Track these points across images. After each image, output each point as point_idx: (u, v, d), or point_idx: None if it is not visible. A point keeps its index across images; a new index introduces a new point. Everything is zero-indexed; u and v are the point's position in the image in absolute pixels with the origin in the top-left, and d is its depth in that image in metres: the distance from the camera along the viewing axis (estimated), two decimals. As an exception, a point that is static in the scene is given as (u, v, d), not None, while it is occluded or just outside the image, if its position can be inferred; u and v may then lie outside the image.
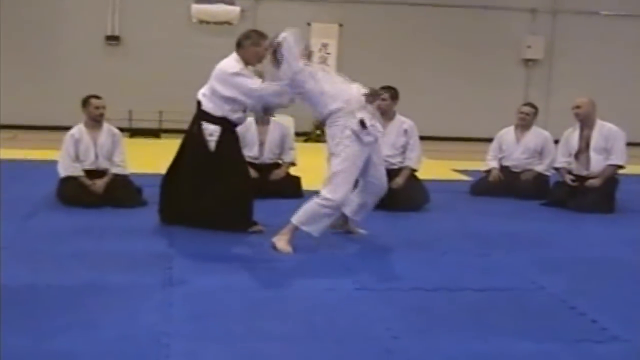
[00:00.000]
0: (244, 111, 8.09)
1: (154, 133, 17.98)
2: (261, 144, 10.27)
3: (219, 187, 7.84)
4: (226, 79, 7.83)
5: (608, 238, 8.38)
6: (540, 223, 9.07)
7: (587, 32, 19.84)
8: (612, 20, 20.03)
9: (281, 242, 7.24)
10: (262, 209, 8.46)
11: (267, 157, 10.29)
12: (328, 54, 19.27)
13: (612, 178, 9.99)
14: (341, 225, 8.00)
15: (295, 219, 7.26)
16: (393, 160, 9.72)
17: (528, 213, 9.61)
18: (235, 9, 19.19)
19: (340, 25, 19.28)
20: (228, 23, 19.22)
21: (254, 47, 7.94)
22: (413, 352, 4.82)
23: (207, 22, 19.22)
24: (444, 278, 6.53)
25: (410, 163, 9.75)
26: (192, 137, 8.03)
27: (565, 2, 20.07)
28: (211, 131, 7.85)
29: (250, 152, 10.15)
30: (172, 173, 8.16)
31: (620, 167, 10.00)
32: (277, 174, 10.19)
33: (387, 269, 6.89)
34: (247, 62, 7.95)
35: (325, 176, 7.35)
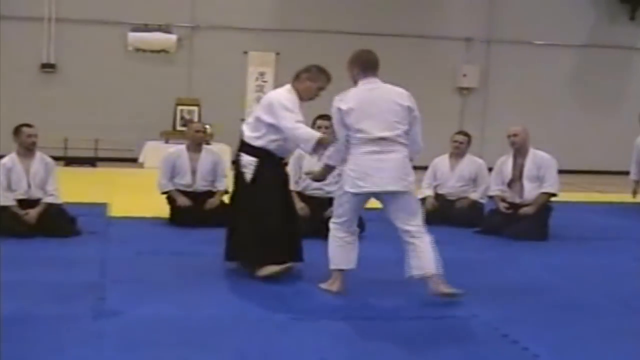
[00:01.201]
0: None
1: (90, 162, 17.80)
2: (193, 172, 10.20)
3: (248, 221, 7.47)
4: (270, 106, 7.47)
5: (541, 265, 8.46)
6: (474, 251, 9.13)
7: (520, 61, 20.05)
8: (545, 49, 20.27)
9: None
10: (196, 238, 8.43)
11: (200, 184, 10.22)
12: (265, 82, 19.26)
13: (545, 206, 10.08)
14: None
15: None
16: (328, 189, 9.70)
17: (462, 240, 9.65)
18: (172, 37, 19.09)
19: (277, 53, 19.28)
20: (165, 51, 19.12)
21: (310, 81, 7.76)
22: (347, 382, 4.83)
23: (144, 50, 19.09)
24: (379, 307, 6.57)
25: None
26: (236, 169, 7.70)
27: (499, 32, 20.26)
28: (246, 162, 7.49)
29: (182, 180, 10.12)
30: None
31: (553, 195, 10.11)
32: (211, 202, 10.09)
33: (320, 298, 6.87)
34: (299, 95, 7.65)
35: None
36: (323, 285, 7.12)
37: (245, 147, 7.56)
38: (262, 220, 7.44)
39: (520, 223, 9.87)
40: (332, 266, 7.13)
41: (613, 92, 20.63)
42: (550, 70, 20.25)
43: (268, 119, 7.42)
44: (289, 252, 7.57)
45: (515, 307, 6.70)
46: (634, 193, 12.97)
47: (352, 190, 6.94)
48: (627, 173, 13.49)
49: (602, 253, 9.40)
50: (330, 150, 7.15)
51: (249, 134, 7.55)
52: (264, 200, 7.49)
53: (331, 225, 7.23)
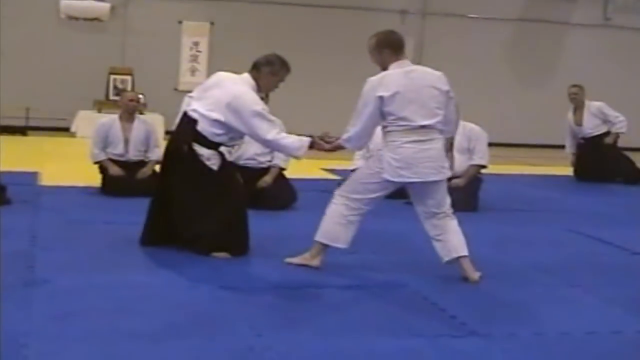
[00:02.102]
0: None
1: (21, 130, 17.59)
2: (126, 141, 10.15)
3: (221, 210, 7.20)
4: (239, 113, 7.07)
5: (470, 236, 8.47)
6: (404, 222, 9.13)
7: (455, 35, 20.17)
8: (479, 23, 20.43)
9: None
10: (128, 207, 8.41)
11: (133, 154, 10.18)
12: (199, 52, 19.19)
13: (475, 177, 10.21)
14: None
15: None
16: (262, 159, 9.77)
17: (393, 212, 9.67)
18: (106, 5, 18.90)
19: (212, 23, 19.20)
20: (98, 19, 18.93)
21: (272, 76, 7.59)
22: (276, 349, 4.87)
23: (76, 18, 18.89)
24: (309, 276, 6.61)
25: (278, 162, 9.79)
26: (183, 157, 7.16)
27: (434, 5, 20.38)
28: (209, 155, 7.14)
29: (115, 149, 10.08)
30: (162, 194, 7.39)
31: (483, 166, 10.24)
32: (143, 172, 10.05)
33: (251, 267, 6.92)
34: (259, 88, 7.47)
35: None
36: (297, 260, 6.94)
37: (201, 139, 7.13)
38: (229, 207, 7.30)
39: (451, 195, 9.87)
40: (323, 240, 6.87)
41: (546, 67, 20.89)
42: (485, 44, 20.41)
43: (237, 125, 7.08)
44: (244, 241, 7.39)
45: (443, 276, 6.77)
46: (573, 165, 13.22)
47: (394, 179, 6.73)
48: (558, 147, 13.71)
49: (531, 224, 9.56)
50: (349, 134, 6.96)
51: (211, 130, 7.12)
52: (232, 187, 7.42)
53: (338, 200, 6.96)
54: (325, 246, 6.89)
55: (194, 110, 7.20)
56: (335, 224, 6.86)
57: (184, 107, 7.41)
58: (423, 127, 6.67)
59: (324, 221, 6.90)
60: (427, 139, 6.69)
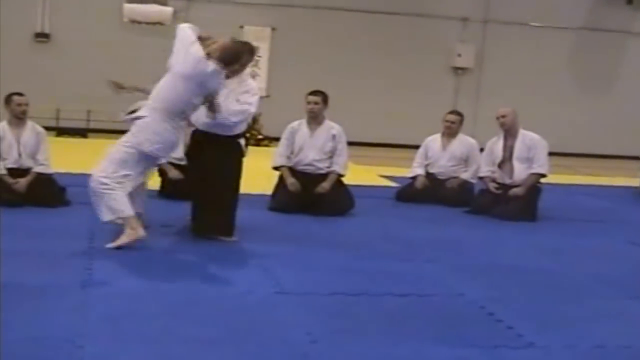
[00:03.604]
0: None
1: (81, 132, 17.78)
2: (186, 145, 10.16)
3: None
4: None
5: (528, 246, 8.48)
6: (463, 230, 9.14)
7: (516, 42, 20.06)
8: (540, 31, 20.28)
9: None
10: (185, 210, 8.43)
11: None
12: (260, 57, 19.24)
13: (534, 187, 10.11)
14: None
15: None
16: (320, 165, 9.75)
17: (452, 220, 9.68)
18: (168, 9, 19.06)
19: (273, 28, 19.27)
20: (160, 23, 19.08)
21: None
22: (331, 356, 4.84)
23: (139, 22, 19.08)
24: (365, 283, 6.56)
25: (336, 168, 9.76)
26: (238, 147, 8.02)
27: (496, 12, 20.26)
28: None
29: (174, 153, 10.07)
30: None
31: (543, 176, 10.13)
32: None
33: (308, 272, 6.87)
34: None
35: None
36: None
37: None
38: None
39: (510, 204, 9.88)
40: None
41: (607, 76, 20.64)
42: (546, 52, 20.25)
43: None
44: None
45: (501, 286, 6.71)
46: None
47: None
48: (621, 157, 13.52)
49: (591, 235, 9.43)
50: None
51: None
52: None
53: None
54: None
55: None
56: None
57: None
58: None
59: None
60: None
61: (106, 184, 7.16)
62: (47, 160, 9.33)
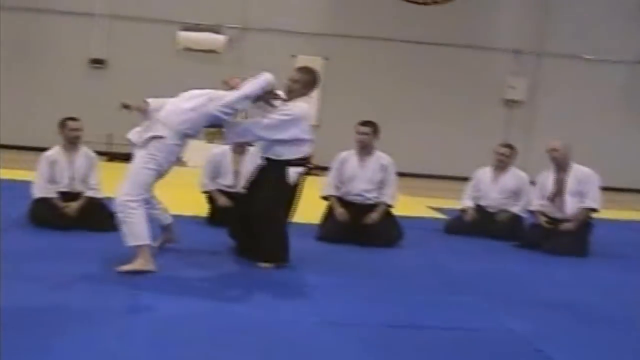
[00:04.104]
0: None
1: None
2: (236, 173, 10.21)
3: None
4: None
5: (579, 282, 8.38)
6: (512, 264, 9.06)
7: (570, 76, 19.92)
8: (594, 64, 20.12)
9: None
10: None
11: (242, 186, 10.22)
12: (312, 86, 19.28)
13: (586, 222, 10.00)
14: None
15: None
16: (369, 195, 9.72)
17: (501, 254, 9.60)
18: (222, 37, 19.20)
19: (326, 58, 19.30)
20: (214, 51, 19.23)
21: None
22: (373, 389, 4.80)
23: (193, 50, 19.23)
24: (411, 315, 6.51)
25: (386, 199, 9.73)
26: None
27: (549, 45, 20.14)
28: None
29: (224, 180, 10.15)
30: None
31: (595, 210, 10.01)
32: (252, 204, 10.12)
33: (354, 303, 6.83)
34: None
35: None
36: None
37: None
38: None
39: (561, 238, 9.78)
40: None
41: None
42: (599, 85, 20.09)
43: None
44: None
45: (550, 322, 6.62)
46: None
47: None
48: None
49: (643, 272, 9.30)
50: None
51: None
52: None
53: None
54: None
55: None
56: None
57: None
58: None
59: None
60: None
61: (132, 207, 7.28)
62: (98, 185, 9.41)
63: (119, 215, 7.36)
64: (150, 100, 7.78)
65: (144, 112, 7.76)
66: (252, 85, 7.69)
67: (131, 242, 7.27)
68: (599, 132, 19.59)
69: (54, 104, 16.84)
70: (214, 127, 8.18)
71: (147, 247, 7.32)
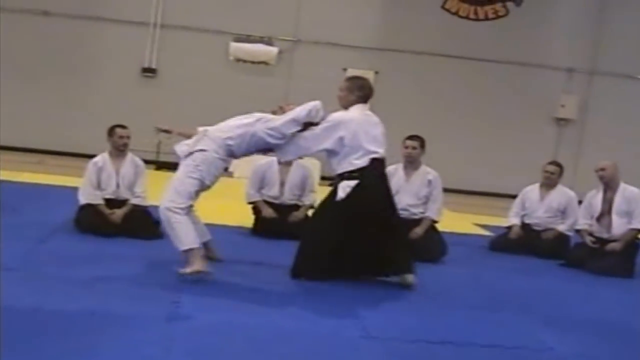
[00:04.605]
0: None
1: (182, 167, 17.96)
2: (282, 184, 10.25)
3: None
4: None
5: (623, 303, 8.29)
6: (556, 283, 8.99)
7: (621, 95, 19.70)
8: (647, 84, 19.95)
9: None
10: (279, 250, 8.46)
11: (287, 197, 10.27)
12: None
13: (633, 242, 9.89)
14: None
15: None
16: (414, 210, 9.70)
17: (545, 272, 9.52)
18: (273, 49, 19.25)
19: (376, 72, 19.25)
20: (265, 63, 19.29)
21: None
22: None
23: (244, 61, 19.30)
24: (452, 331, 6.47)
25: (431, 214, 9.71)
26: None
27: (602, 64, 19.95)
28: None
29: (270, 191, 10.18)
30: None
31: (642, 231, 9.92)
32: (296, 215, 10.13)
33: (395, 318, 6.81)
34: None
35: None
36: None
37: None
38: None
39: (606, 258, 9.69)
40: None
41: None
42: (652, 106, 19.87)
43: None
44: None
45: (592, 342, 6.56)
46: None
47: None
48: None
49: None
50: None
51: None
52: None
53: None
54: None
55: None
56: None
57: None
58: None
59: None
60: None
61: (176, 213, 7.41)
62: (143, 193, 9.48)
63: (163, 222, 7.45)
64: (201, 128, 7.83)
65: (187, 135, 7.90)
66: (299, 110, 7.72)
67: (181, 247, 7.35)
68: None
69: (104, 112, 16.99)
70: (264, 151, 8.22)
71: (198, 250, 7.40)
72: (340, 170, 7.75)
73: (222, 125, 7.86)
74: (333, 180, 7.98)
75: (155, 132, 8.35)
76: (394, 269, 7.87)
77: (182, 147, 7.76)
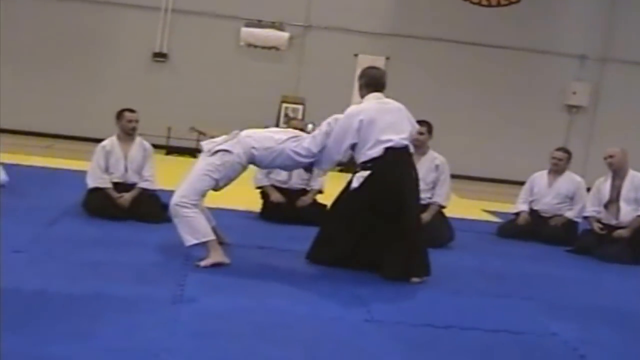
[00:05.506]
0: None
1: (191, 152, 18.00)
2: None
3: None
4: None
5: (629, 289, 8.28)
6: (562, 269, 8.98)
7: (634, 82, 19.67)
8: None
9: None
10: (286, 234, 8.46)
11: (295, 182, 10.27)
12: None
13: (640, 229, 9.89)
14: None
15: None
16: (422, 195, 9.66)
17: (552, 258, 9.52)
18: (284, 34, 19.27)
19: (387, 58, 19.25)
20: (276, 48, 19.31)
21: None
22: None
23: (255, 46, 19.32)
24: (457, 316, 6.48)
25: (438, 199, 9.70)
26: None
27: (615, 51, 19.92)
28: None
29: (278, 176, 10.18)
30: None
31: (651, 218, 9.90)
32: (304, 200, 10.15)
33: (400, 302, 6.83)
34: None
35: None
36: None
37: None
38: None
39: (613, 245, 9.68)
40: None
41: None
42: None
43: None
44: None
45: (597, 328, 6.55)
46: None
47: None
48: None
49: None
50: None
51: None
52: None
53: None
54: None
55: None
56: None
57: None
58: None
59: None
60: None
61: (188, 207, 7.39)
62: (152, 177, 9.50)
63: (174, 217, 7.45)
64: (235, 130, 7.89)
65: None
66: (321, 126, 7.82)
67: (191, 241, 7.38)
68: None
69: (115, 96, 17.02)
70: (305, 169, 8.38)
71: (214, 242, 7.43)
72: (359, 161, 7.74)
73: (255, 132, 7.84)
74: (343, 165, 7.99)
75: (190, 131, 8.37)
76: (397, 271, 7.69)
77: (208, 145, 7.72)
